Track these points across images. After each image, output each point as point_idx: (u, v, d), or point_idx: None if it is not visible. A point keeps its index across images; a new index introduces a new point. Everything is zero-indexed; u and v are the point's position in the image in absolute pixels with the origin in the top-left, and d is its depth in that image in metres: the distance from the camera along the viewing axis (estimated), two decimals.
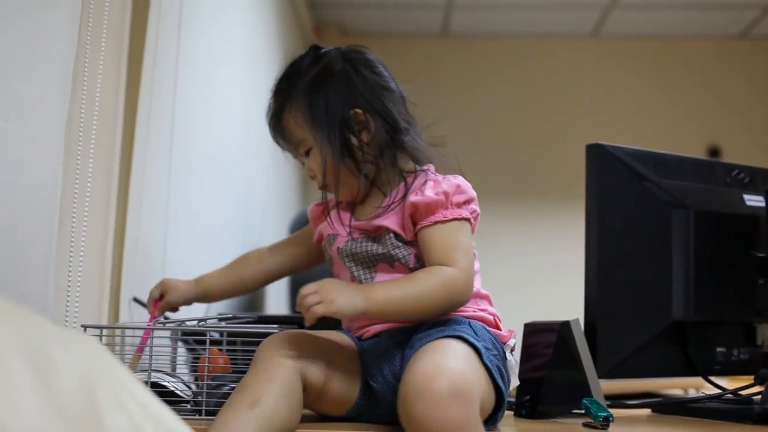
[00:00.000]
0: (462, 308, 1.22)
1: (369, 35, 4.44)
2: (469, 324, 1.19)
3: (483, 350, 1.12)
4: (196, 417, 1.20)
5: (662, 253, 1.41)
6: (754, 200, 1.50)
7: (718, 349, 1.46)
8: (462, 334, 1.12)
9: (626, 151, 1.43)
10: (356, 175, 1.26)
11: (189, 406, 1.24)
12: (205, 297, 1.43)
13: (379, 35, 4.46)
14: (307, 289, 1.09)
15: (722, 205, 1.47)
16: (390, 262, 1.23)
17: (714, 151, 4.45)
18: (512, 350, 1.26)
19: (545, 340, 1.34)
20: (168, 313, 1.44)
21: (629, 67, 4.58)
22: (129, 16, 1.53)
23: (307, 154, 1.29)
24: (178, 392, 1.24)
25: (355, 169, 1.26)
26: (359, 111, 1.26)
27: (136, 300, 1.54)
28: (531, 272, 4.23)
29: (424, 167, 1.29)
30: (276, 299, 2.91)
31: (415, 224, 1.22)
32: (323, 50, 1.34)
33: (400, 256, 1.23)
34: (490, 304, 1.29)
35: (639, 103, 4.54)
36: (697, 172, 1.50)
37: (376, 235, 1.24)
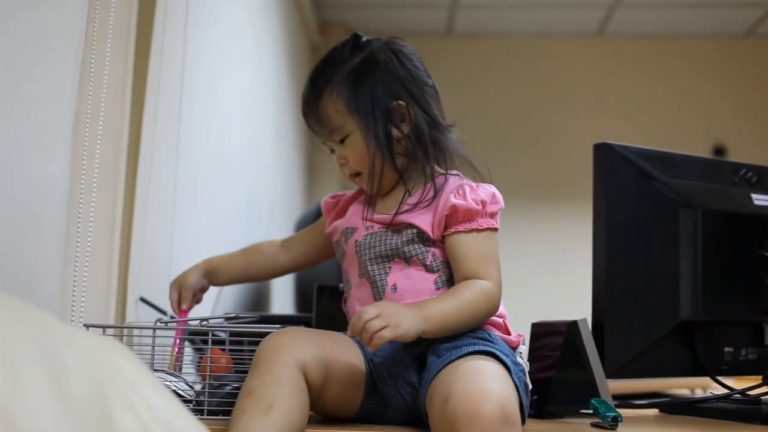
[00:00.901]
0: None
1: (374, 34, 4.42)
2: (489, 334, 1.19)
3: (512, 366, 1.12)
4: (199, 417, 1.20)
5: (670, 253, 1.40)
6: (762, 199, 1.49)
7: (726, 349, 1.46)
8: (493, 350, 1.12)
9: (634, 150, 1.42)
10: (391, 167, 1.28)
11: (191, 406, 1.24)
12: (213, 277, 1.45)
13: (384, 34, 4.44)
14: (369, 313, 1.08)
15: (730, 205, 1.46)
16: (406, 259, 1.24)
17: (719, 150, 4.44)
18: (521, 354, 1.25)
19: (553, 340, 1.34)
20: (172, 314, 1.45)
21: (634, 66, 4.57)
22: (135, 16, 1.53)
23: (342, 141, 1.29)
24: (180, 392, 1.24)
25: (390, 160, 1.27)
26: (402, 103, 1.27)
27: (143, 300, 1.54)
28: (538, 271, 4.23)
29: (453, 171, 1.29)
30: (281, 299, 2.91)
31: (447, 226, 1.23)
32: (364, 39, 1.35)
33: (418, 253, 1.23)
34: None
35: (644, 101, 4.53)
36: (704, 171, 1.50)
37: (396, 229, 1.24)
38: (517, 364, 1.17)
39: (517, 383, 1.12)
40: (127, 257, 1.52)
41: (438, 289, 1.23)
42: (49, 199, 1.21)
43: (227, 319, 1.47)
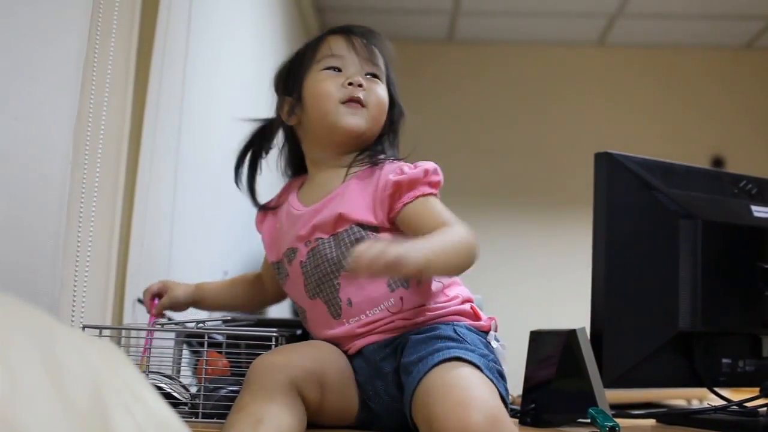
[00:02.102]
0: (438, 304, 1.20)
1: None
2: (454, 329, 1.16)
3: (481, 364, 1.10)
4: (193, 419, 1.19)
5: (669, 263, 1.40)
6: (761, 211, 1.49)
7: (724, 360, 1.46)
8: (459, 355, 1.09)
9: (635, 160, 1.42)
10: (381, 115, 1.28)
11: (186, 409, 1.23)
12: (200, 304, 1.44)
13: None
14: (363, 245, 1.00)
15: (730, 216, 1.46)
16: (336, 275, 1.20)
17: (718, 161, 4.44)
18: (495, 337, 1.23)
19: (551, 349, 1.33)
20: (171, 314, 1.44)
21: (634, 76, 4.58)
22: (138, 16, 1.53)
23: (374, 76, 1.29)
24: (175, 394, 1.24)
25: (384, 122, 1.29)
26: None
27: (140, 301, 1.54)
28: (537, 279, 4.23)
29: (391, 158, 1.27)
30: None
31: (391, 205, 1.19)
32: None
33: None
34: (459, 289, 1.25)
35: (644, 111, 4.54)
36: (705, 182, 1.50)
37: (335, 234, 1.21)
38: (485, 355, 1.14)
39: (490, 376, 1.09)
40: (126, 258, 1.52)
41: (393, 291, 1.19)
42: (49, 199, 1.21)
43: (224, 321, 1.47)
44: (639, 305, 1.39)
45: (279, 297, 1.44)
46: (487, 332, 1.22)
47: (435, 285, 1.22)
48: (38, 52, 1.18)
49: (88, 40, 1.31)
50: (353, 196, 1.22)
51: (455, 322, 1.19)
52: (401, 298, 1.19)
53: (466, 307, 1.23)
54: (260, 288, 1.44)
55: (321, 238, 1.22)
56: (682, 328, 1.39)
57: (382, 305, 1.19)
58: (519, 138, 4.45)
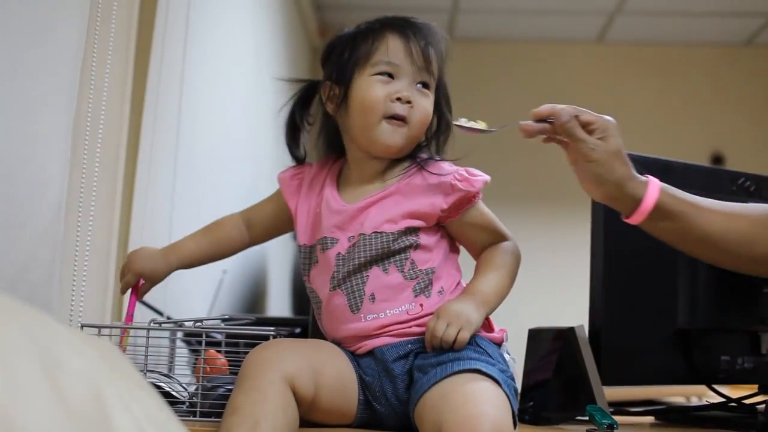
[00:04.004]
0: None
1: None
2: (475, 340, 1.16)
3: (500, 379, 1.10)
4: (191, 418, 1.20)
5: (667, 261, 1.40)
6: None
7: (723, 358, 1.46)
8: (480, 368, 1.09)
9: (633, 158, 1.41)
10: (422, 132, 1.27)
11: (185, 407, 1.23)
12: (179, 268, 1.35)
13: None
14: (440, 327, 1.12)
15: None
16: (385, 265, 1.19)
17: (717, 158, 4.44)
18: (507, 350, 1.23)
19: (549, 347, 1.34)
20: (168, 315, 1.44)
21: (634, 73, 4.58)
22: (137, 15, 1.53)
23: (425, 86, 1.26)
24: (173, 393, 1.24)
25: (426, 126, 1.27)
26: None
27: (141, 301, 1.54)
28: (535, 277, 4.21)
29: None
30: (277, 302, 2.91)
31: (449, 214, 1.22)
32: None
33: (398, 259, 1.19)
34: None
35: (643, 109, 4.54)
36: (703, 179, 1.50)
37: (379, 232, 1.20)
38: (504, 371, 1.14)
39: (508, 392, 1.09)
40: (125, 257, 1.52)
41: (416, 296, 1.18)
42: (48, 199, 1.21)
43: (223, 320, 1.47)
44: (637, 303, 1.39)
45: (258, 243, 1.41)
46: (499, 344, 1.21)
47: (448, 298, 1.21)
48: (36, 51, 1.18)
49: (86, 40, 1.31)
50: (402, 198, 1.21)
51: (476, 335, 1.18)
52: (421, 305, 1.19)
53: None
54: (240, 240, 1.37)
55: (364, 234, 1.20)
56: (681, 325, 1.39)
57: (403, 307, 1.18)
58: (517, 135, 4.44)
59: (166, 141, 1.73)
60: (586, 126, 1.16)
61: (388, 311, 1.18)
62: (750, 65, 4.58)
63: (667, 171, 1.44)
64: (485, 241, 1.25)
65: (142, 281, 1.29)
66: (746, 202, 1.49)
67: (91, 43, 1.36)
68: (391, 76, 1.23)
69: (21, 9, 1.15)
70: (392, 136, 1.22)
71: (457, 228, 1.24)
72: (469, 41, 4.56)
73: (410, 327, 1.18)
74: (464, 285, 1.24)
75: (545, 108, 1.19)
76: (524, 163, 4.41)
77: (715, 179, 1.52)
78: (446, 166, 1.24)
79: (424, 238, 1.21)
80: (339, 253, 1.21)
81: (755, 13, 4.18)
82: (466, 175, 1.23)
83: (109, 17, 1.43)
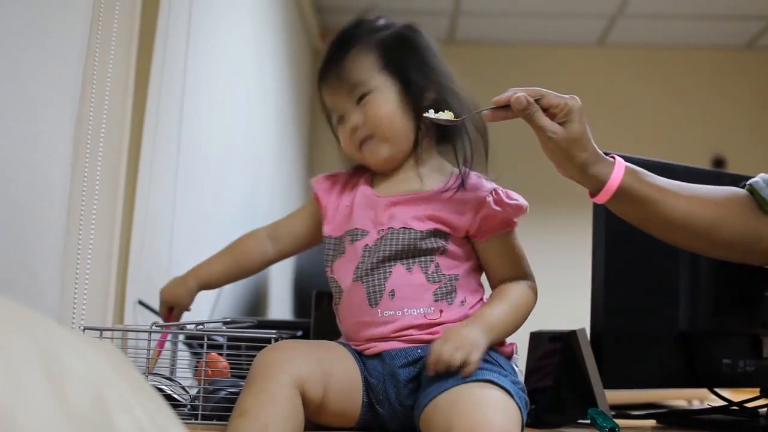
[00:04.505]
0: None
1: None
2: (488, 352, 1.15)
3: (512, 389, 1.10)
4: (193, 421, 1.20)
5: (669, 264, 1.40)
6: None
7: (724, 361, 1.46)
8: (493, 379, 1.09)
9: (634, 161, 1.42)
10: (410, 129, 1.25)
11: (186, 410, 1.23)
12: (205, 289, 1.40)
13: None
14: (447, 351, 1.08)
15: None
16: (409, 264, 1.19)
17: (719, 162, 4.44)
18: (516, 362, 1.24)
19: (551, 350, 1.34)
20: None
21: (635, 76, 4.57)
22: (138, 19, 1.53)
23: (360, 100, 1.25)
24: (175, 396, 1.24)
25: (412, 116, 1.25)
26: (433, 95, 1.28)
27: (141, 303, 1.54)
28: (537, 281, 4.22)
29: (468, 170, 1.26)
30: (279, 304, 2.91)
31: (482, 229, 1.22)
32: (412, 28, 1.36)
33: (424, 260, 1.19)
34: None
35: (644, 112, 4.53)
36: (704, 182, 1.50)
37: (408, 228, 1.20)
38: (516, 383, 1.14)
39: (519, 404, 1.09)
40: (127, 260, 1.52)
41: (437, 301, 1.18)
42: (49, 202, 1.21)
43: (224, 323, 1.47)
44: (639, 306, 1.39)
45: (282, 258, 1.41)
46: (509, 357, 1.22)
47: (469, 313, 1.21)
48: (38, 54, 1.18)
49: (88, 43, 1.31)
50: (436, 203, 1.22)
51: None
52: (441, 311, 1.18)
53: None
54: (262, 254, 1.39)
55: (393, 228, 1.21)
56: (683, 328, 1.39)
57: (422, 309, 1.18)
58: (518, 138, 4.43)
59: (168, 144, 1.74)
60: (548, 109, 1.16)
61: (406, 310, 1.18)
62: (751, 68, 4.58)
63: (668, 174, 1.45)
64: (506, 274, 1.24)
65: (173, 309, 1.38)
66: None
67: (93, 46, 1.37)
68: (342, 117, 1.28)
69: (23, 11, 1.15)
70: (372, 155, 1.26)
71: (483, 249, 1.24)
72: (470, 44, 4.56)
73: (423, 334, 1.17)
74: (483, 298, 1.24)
75: (504, 96, 1.20)
76: (525, 165, 4.40)
77: (716, 182, 1.52)
78: (485, 183, 1.25)
79: (452, 246, 1.21)
80: (367, 244, 1.22)
81: (756, 16, 4.18)
82: (503, 196, 1.23)
83: (111, 20, 1.43)
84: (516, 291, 1.22)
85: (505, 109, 1.19)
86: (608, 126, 4.46)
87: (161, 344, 1.31)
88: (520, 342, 1.37)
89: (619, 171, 1.17)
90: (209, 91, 2.13)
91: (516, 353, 1.24)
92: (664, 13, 4.18)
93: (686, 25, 4.32)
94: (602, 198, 1.18)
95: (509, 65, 4.55)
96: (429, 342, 1.15)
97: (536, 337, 1.38)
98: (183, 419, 1.19)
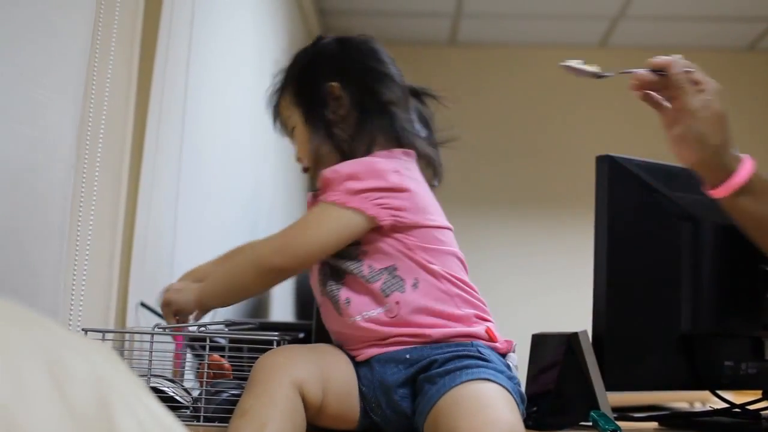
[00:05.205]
0: (448, 324, 1.18)
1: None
2: (479, 349, 1.16)
3: (509, 387, 1.11)
4: (195, 423, 1.20)
5: (671, 266, 1.40)
6: None
7: (726, 363, 1.45)
8: (489, 377, 1.09)
9: (636, 163, 1.42)
10: (334, 155, 1.25)
11: (188, 412, 1.24)
12: None
13: (387, 43, 4.44)
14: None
15: (732, 219, 1.46)
16: (347, 277, 1.20)
17: None
18: (513, 359, 1.23)
19: (553, 352, 1.33)
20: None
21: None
22: (140, 21, 1.53)
23: (292, 135, 1.31)
24: (177, 398, 1.24)
25: (332, 146, 1.25)
26: (335, 84, 1.26)
27: (143, 305, 1.54)
28: (538, 282, 4.22)
29: (393, 152, 1.24)
30: (281, 306, 2.91)
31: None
32: (322, 38, 1.36)
33: (354, 268, 1.19)
34: (474, 307, 1.22)
35: (645, 113, 4.51)
36: None
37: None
38: (512, 378, 1.15)
39: (517, 400, 1.11)
40: (128, 262, 1.52)
41: (388, 296, 1.17)
42: (51, 203, 1.21)
43: (226, 325, 1.47)
44: (641, 308, 1.39)
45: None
46: (504, 354, 1.21)
47: (432, 291, 1.19)
48: (40, 56, 1.19)
49: (90, 45, 1.32)
50: None
51: (474, 342, 1.18)
52: (397, 303, 1.18)
53: (480, 330, 1.20)
54: None
55: None
56: (684, 330, 1.39)
57: (380, 308, 1.18)
58: (520, 140, 4.44)
59: (170, 145, 1.74)
60: (695, 85, 1.12)
61: (364, 313, 1.18)
62: (752, 70, 4.57)
63: (671, 176, 1.45)
64: None
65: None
66: None
67: (95, 48, 1.37)
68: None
69: (25, 14, 1.15)
70: (317, 181, 1.26)
71: None
72: (471, 46, 4.56)
73: (406, 338, 1.17)
74: (450, 274, 1.21)
75: (660, 59, 1.16)
76: (527, 167, 4.41)
77: None
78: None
79: (368, 246, 1.20)
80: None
81: (758, 18, 4.18)
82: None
83: (112, 21, 1.44)
84: (239, 256, 1.29)
85: (654, 75, 1.16)
86: (610, 127, 4.46)
87: (179, 356, 1.32)
88: (521, 343, 1.37)
89: (749, 164, 1.12)
90: (212, 92, 2.13)
91: (513, 351, 1.24)
92: (666, 14, 4.18)
93: (688, 27, 4.32)
94: (727, 189, 1.12)
95: (511, 67, 4.55)
96: (414, 343, 1.16)
97: (538, 339, 1.38)
98: (185, 421, 1.19)
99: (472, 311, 1.21)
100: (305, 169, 1.31)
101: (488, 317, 1.24)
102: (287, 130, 1.33)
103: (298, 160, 1.32)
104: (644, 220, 1.41)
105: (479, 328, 1.20)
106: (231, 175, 2.38)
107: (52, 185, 1.21)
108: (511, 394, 1.10)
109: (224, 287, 1.23)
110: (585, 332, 1.31)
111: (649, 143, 4.54)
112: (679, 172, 1.47)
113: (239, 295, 1.26)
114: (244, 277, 1.22)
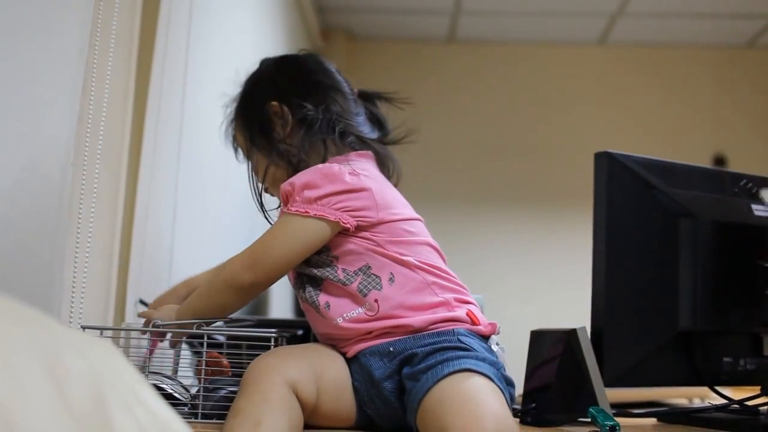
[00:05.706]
0: (427, 313, 1.18)
1: (376, 40, 4.45)
2: (458, 339, 1.16)
3: (491, 373, 1.10)
4: (193, 420, 1.20)
5: (669, 263, 1.40)
6: (762, 210, 1.49)
7: (725, 359, 1.46)
8: (470, 367, 1.09)
9: (635, 160, 1.42)
10: (289, 170, 1.27)
11: (186, 409, 1.24)
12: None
13: (386, 40, 4.47)
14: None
15: (730, 215, 1.46)
16: (323, 282, 1.22)
17: (719, 160, 4.44)
18: (497, 341, 1.23)
19: (552, 348, 1.33)
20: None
21: (635, 75, 4.57)
22: (139, 20, 1.53)
23: (250, 157, 1.33)
24: (175, 395, 1.24)
25: (286, 162, 1.27)
26: (275, 103, 1.30)
27: (142, 302, 1.54)
28: (537, 279, 4.23)
29: (347, 155, 1.26)
30: (279, 303, 2.91)
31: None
32: (265, 60, 1.42)
33: (329, 274, 1.21)
34: (453, 291, 1.22)
35: (645, 110, 4.53)
36: (705, 181, 1.50)
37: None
38: (494, 363, 1.14)
39: (500, 385, 1.10)
40: (127, 259, 1.52)
41: (365, 296, 1.18)
42: (50, 201, 1.21)
43: (225, 322, 1.47)
44: (639, 304, 1.39)
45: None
46: (487, 337, 1.21)
47: (409, 283, 1.19)
48: (39, 55, 1.19)
49: (89, 43, 1.32)
50: None
51: (455, 329, 1.18)
52: (376, 301, 1.18)
53: (461, 313, 1.20)
54: None
55: None
56: (683, 327, 1.39)
57: (359, 309, 1.19)
58: (519, 137, 4.44)
59: (169, 143, 1.74)
60: None
61: (345, 315, 1.20)
62: (752, 67, 4.57)
63: (669, 173, 1.45)
64: None
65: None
66: (748, 203, 1.49)
67: (93, 46, 1.37)
68: None
69: (23, 13, 1.15)
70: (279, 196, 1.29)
71: None
72: (470, 43, 4.56)
73: (388, 329, 1.18)
74: (423, 263, 1.22)
75: None
76: (526, 164, 4.41)
77: (717, 181, 1.52)
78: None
79: (338, 250, 1.21)
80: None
81: (757, 14, 4.18)
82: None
83: (110, 20, 1.43)
84: (216, 279, 1.24)
85: None
86: (609, 125, 4.46)
87: (155, 344, 1.32)
88: (521, 340, 1.37)
89: None
90: (210, 91, 2.13)
91: (497, 332, 1.23)
92: (665, 11, 4.18)
93: (687, 24, 4.32)
94: None
95: (510, 64, 4.55)
96: (399, 334, 1.17)
97: (537, 336, 1.38)
98: (183, 418, 1.18)
99: (451, 295, 1.22)
100: (265, 189, 1.34)
101: (469, 299, 1.24)
102: (245, 154, 1.35)
103: (260, 181, 1.33)
104: (643, 216, 1.41)
105: (460, 312, 1.20)
106: (229, 173, 2.38)
107: (50, 183, 1.21)
108: (495, 382, 1.09)
109: (202, 308, 1.24)
110: (584, 328, 1.31)
111: (648, 140, 4.55)
112: (677, 169, 1.47)
113: (217, 314, 1.25)
114: (220, 296, 1.22)
